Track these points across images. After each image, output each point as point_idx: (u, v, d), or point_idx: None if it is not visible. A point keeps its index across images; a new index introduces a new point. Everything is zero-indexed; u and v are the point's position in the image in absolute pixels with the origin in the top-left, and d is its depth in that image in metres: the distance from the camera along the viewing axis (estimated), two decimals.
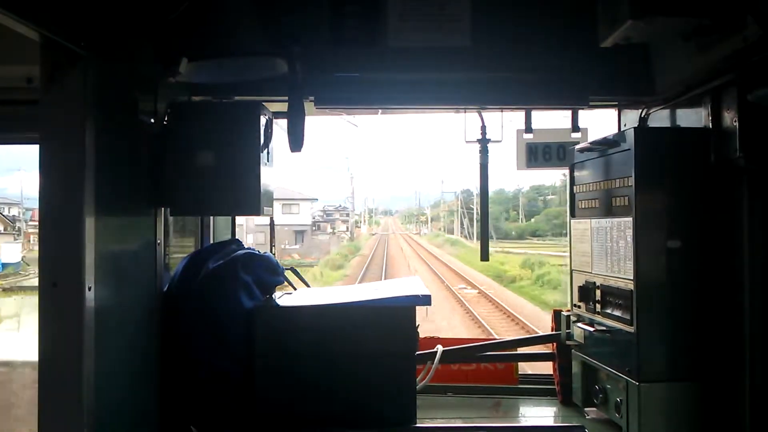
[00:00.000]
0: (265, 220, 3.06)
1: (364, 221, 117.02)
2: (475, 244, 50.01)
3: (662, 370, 2.45)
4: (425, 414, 2.78)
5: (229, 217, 3.32)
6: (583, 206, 2.99)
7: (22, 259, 33.64)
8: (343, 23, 2.73)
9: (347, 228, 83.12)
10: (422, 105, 3.02)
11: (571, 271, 3.07)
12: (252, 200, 2.57)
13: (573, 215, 3.08)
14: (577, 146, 2.99)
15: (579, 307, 2.96)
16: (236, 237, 3.21)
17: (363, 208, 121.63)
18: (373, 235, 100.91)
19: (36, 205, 1.97)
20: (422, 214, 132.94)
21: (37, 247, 2.07)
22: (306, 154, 2.68)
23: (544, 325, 14.36)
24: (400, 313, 2.54)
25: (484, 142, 3.17)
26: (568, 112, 3.25)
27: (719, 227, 2.42)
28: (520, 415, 3.13)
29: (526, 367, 3.71)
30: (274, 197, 2.91)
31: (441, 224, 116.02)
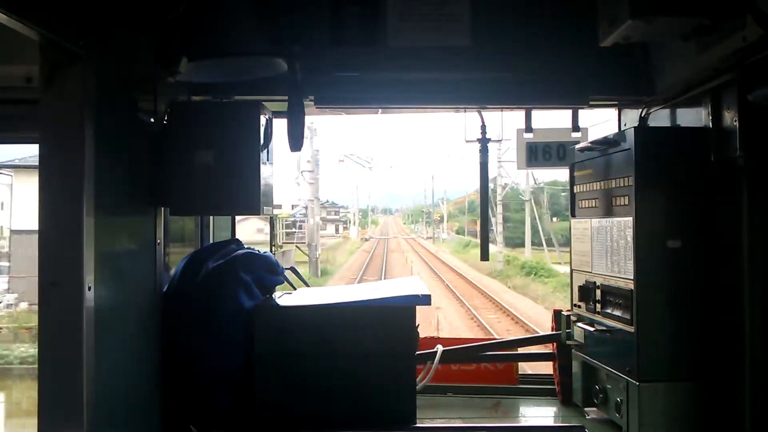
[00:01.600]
0: None
1: (354, 222, 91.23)
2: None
3: (662, 370, 2.45)
4: (425, 414, 2.78)
5: (229, 217, 3.32)
6: (583, 206, 2.99)
7: None
8: (343, 23, 2.73)
9: (306, 236, 36.11)
10: (422, 105, 3.02)
11: (572, 270, 3.07)
12: (252, 200, 2.57)
13: (573, 215, 3.08)
14: (577, 146, 2.99)
15: (579, 307, 2.96)
16: (236, 237, 3.21)
17: (354, 204, 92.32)
18: (366, 241, 73.77)
19: None
20: (432, 211, 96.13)
21: None
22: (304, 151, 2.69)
23: None
24: (400, 313, 2.54)
25: (484, 141, 3.17)
26: (568, 112, 3.25)
27: (719, 227, 2.42)
28: (520, 415, 3.13)
29: (525, 367, 3.71)
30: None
31: (457, 224, 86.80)
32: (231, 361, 2.52)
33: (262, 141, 2.57)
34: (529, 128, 3.26)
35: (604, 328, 2.69)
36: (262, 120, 2.60)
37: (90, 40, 1.90)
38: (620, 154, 2.59)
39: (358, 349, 2.51)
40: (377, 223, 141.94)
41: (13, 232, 25.51)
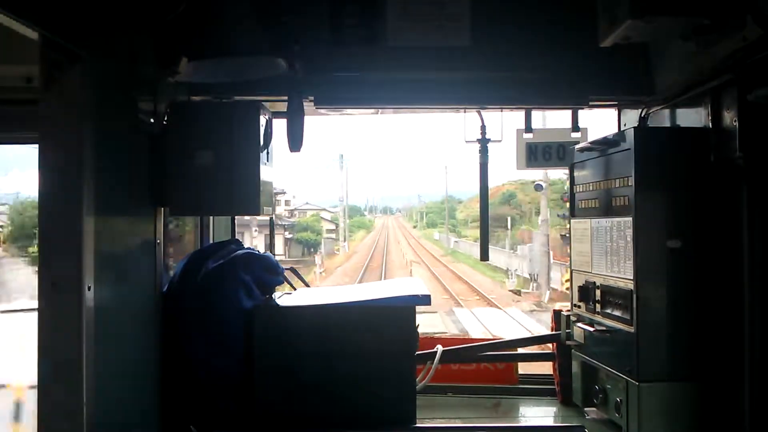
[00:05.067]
0: None
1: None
2: None
3: (662, 370, 2.45)
4: (425, 414, 2.78)
5: (229, 217, 3.32)
6: (583, 206, 2.99)
7: None
8: (343, 23, 2.73)
9: None
10: (422, 105, 3.02)
11: (571, 271, 3.07)
12: (251, 200, 2.57)
13: (573, 215, 3.09)
14: (577, 146, 2.99)
15: (579, 307, 2.96)
16: (236, 237, 3.21)
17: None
18: None
19: None
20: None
21: None
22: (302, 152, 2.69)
23: None
24: (400, 313, 2.54)
25: (484, 141, 3.17)
26: (568, 112, 3.25)
27: (719, 227, 2.42)
28: (520, 415, 3.13)
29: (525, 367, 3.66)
30: None
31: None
32: (231, 361, 2.52)
33: (262, 141, 2.57)
34: (529, 128, 3.26)
35: (604, 328, 2.69)
36: (262, 120, 2.60)
37: (90, 40, 1.90)
38: (620, 154, 2.59)
39: (358, 349, 2.51)
40: (370, 228, 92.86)
41: None
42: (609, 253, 2.68)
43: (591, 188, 2.89)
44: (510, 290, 26.35)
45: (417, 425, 2.54)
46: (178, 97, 2.71)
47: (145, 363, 2.38)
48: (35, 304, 1.87)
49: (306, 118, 2.63)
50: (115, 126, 2.14)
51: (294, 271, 2.99)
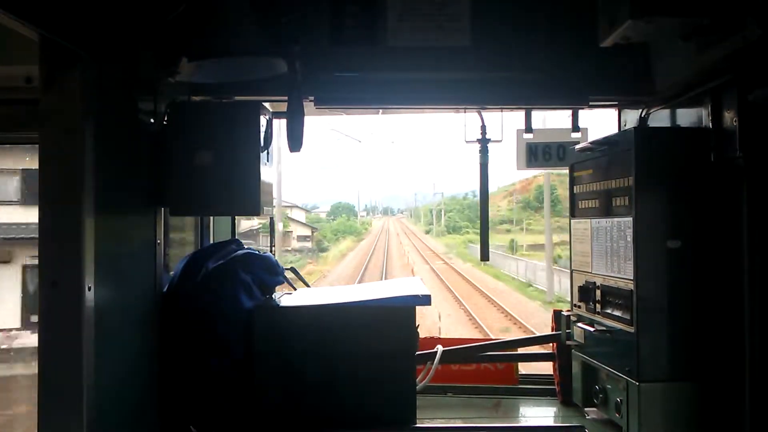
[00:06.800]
0: None
1: None
2: None
3: (662, 370, 2.45)
4: (425, 414, 2.78)
5: (229, 217, 3.32)
6: (583, 206, 2.99)
7: None
8: (343, 23, 2.73)
9: None
10: (422, 105, 3.02)
11: (572, 271, 3.07)
12: (252, 200, 2.57)
13: (573, 215, 3.09)
14: (577, 146, 2.99)
15: (579, 307, 2.96)
16: (236, 237, 3.21)
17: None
18: None
19: None
20: None
21: None
22: (300, 154, 2.70)
23: None
24: (400, 313, 2.55)
25: (484, 141, 3.18)
26: (568, 112, 3.25)
27: (719, 227, 2.42)
28: (520, 415, 3.13)
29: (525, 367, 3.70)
30: None
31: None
32: (231, 361, 2.52)
33: (262, 142, 2.57)
34: (529, 128, 3.26)
35: (604, 329, 2.69)
36: (262, 120, 2.60)
37: (90, 40, 1.90)
38: (620, 154, 2.59)
39: (358, 349, 2.51)
40: (362, 234, 70.70)
41: None
42: (609, 253, 2.68)
43: (591, 188, 2.89)
44: None
45: (417, 425, 2.54)
46: (178, 97, 2.71)
47: (145, 363, 2.38)
48: None
49: (306, 117, 2.63)
50: (115, 126, 2.14)
51: (294, 271, 2.99)
